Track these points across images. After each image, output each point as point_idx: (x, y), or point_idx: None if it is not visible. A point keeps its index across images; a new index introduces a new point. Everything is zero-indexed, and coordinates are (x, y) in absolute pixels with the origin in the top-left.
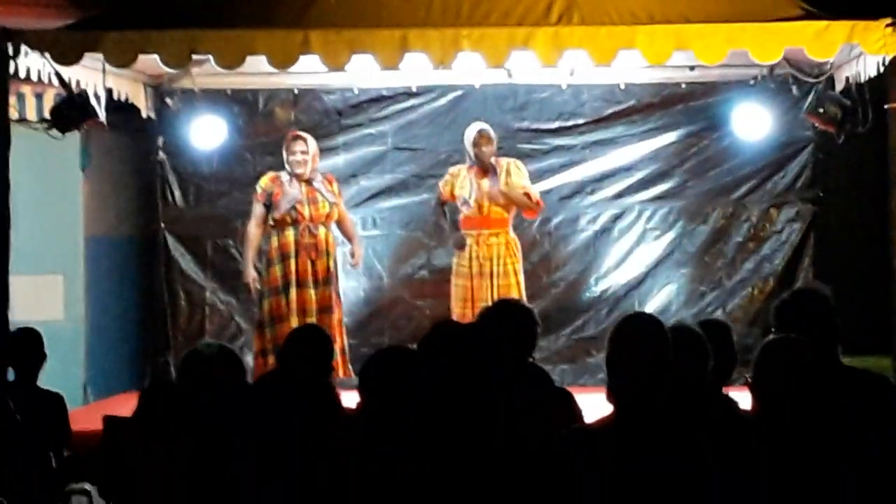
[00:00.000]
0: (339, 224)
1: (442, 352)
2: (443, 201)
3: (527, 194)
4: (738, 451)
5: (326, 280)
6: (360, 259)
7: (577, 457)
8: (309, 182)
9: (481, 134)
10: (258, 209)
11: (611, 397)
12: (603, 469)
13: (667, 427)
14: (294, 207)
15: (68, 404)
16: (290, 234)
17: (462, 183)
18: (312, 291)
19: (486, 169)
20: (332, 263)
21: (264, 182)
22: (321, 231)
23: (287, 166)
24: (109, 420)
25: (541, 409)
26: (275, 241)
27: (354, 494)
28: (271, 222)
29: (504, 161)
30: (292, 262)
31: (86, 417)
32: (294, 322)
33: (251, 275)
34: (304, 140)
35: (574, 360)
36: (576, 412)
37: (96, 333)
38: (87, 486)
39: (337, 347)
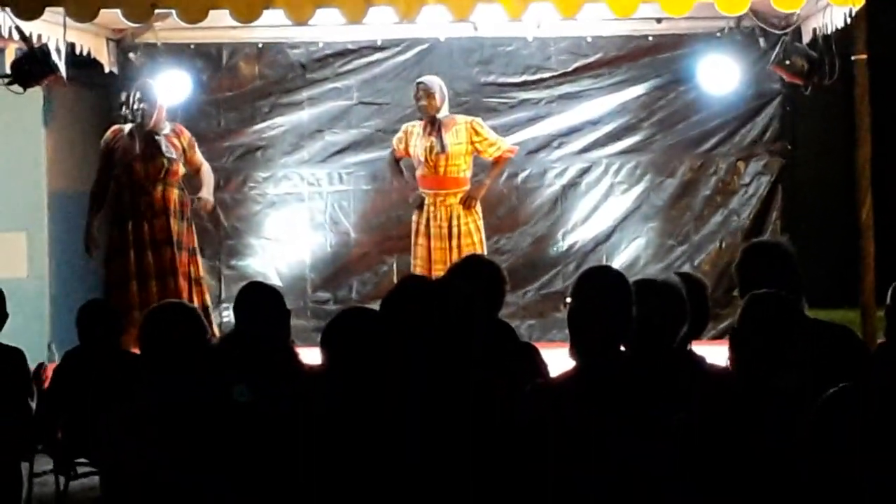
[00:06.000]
0: (196, 175)
1: (409, 308)
2: (397, 158)
3: (497, 160)
4: (703, 407)
5: (167, 241)
6: (209, 205)
7: (539, 412)
8: (151, 136)
9: (418, 87)
10: (101, 164)
11: (573, 352)
12: (563, 424)
13: (628, 381)
14: (130, 164)
15: (33, 363)
16: (126, 193)
17: (416, 140)
18: (150, 254)
19: (433, 124)
20: (175, 224)
21: (107, 135)
22: (158, 189)
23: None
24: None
25: (505, 363)
26: (117, 201)
27: (318, 455)
28: (113, 180)
29: (462, 121)
30: (130, 223)
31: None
32: (133, 287)
33: (92, 236)
34: (147, 88)
35: (542, 314)
36: (540, 366)
37: (60, 291)
38: None
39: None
